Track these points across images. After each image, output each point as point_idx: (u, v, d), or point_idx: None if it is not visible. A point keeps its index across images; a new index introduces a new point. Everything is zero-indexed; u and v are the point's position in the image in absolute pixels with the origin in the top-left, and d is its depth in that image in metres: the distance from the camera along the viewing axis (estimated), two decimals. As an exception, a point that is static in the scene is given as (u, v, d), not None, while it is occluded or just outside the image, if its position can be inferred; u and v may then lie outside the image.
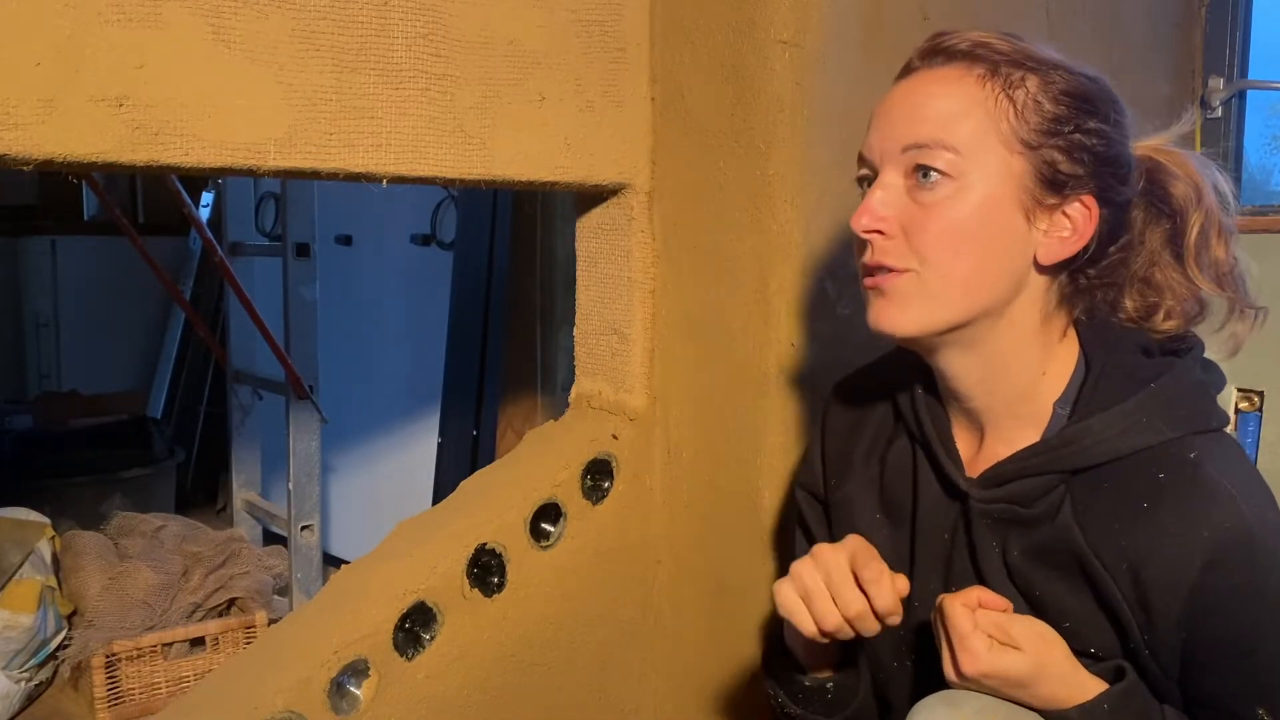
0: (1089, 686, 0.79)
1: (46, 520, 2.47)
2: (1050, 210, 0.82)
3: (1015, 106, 0.81)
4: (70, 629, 2.34)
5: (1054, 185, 0.81)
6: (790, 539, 1.16)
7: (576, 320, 1.42)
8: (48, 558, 2.36)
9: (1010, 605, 0.81)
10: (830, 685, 0.95)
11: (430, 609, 1.14)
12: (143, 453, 3.42)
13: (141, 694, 2.29)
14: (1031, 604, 0.84)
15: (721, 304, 1.25)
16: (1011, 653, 0.77)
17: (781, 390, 1.21)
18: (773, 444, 1.21)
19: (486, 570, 1.20)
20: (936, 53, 0.84)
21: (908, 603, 0.90)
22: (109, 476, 3.21)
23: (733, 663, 1.30)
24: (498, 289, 2.65)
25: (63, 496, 3.05)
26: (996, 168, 0.80)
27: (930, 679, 0.84)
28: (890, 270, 0.82)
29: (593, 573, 1.29)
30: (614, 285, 1.35)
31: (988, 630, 0.78)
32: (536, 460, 1.31)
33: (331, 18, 1.01)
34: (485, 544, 1.19)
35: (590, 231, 1.38)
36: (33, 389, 4.08)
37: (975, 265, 0.81)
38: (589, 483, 1.30)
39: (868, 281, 0.84)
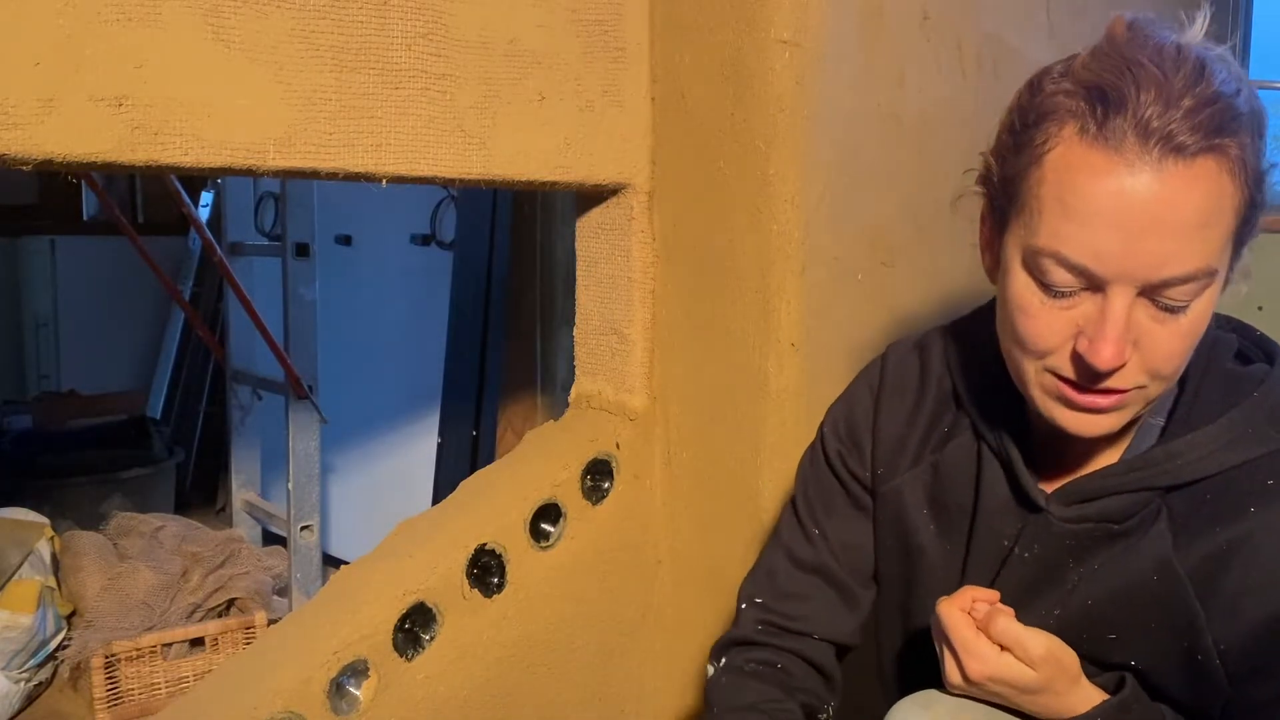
0: (1091, 697, 0.79)
1: (46, 520, 2.47)
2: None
3: (1253, 196, 0.71)
4: (69, 629, 2.34)
5: (1239, 250, 0.75)
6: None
7: (576, 320, 1.42)
8: (47, 558, 2.36)
9: (998, 596, 0.81)
10: None
11: (430, 609, 1.13)
12: (142, 453, 3.42)
13: (141, 694, 2.29)
14: (1080, 616, 0.83)
15: (721, 304, 1.25)
16: (1023, 665, 0.78)
17: (781, 390, 1.21)
18: (772, 444, 1.21)
19: (486, 570, 1.19)
20: (1178, 145, 0.67)
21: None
22: (108, 476, 3.21)
23: (733, 663, 1.30)
24: (498, 289, 2.65)
25: (62, 496, 3.06)
26: (1226, 263, 0.73)
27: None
28: (1117, 392, 0.74)
29: (593, 573, 1.29)
30: (614, 285, 1.35)
31: (1000, 641, 0.78)
32: (536, 460, 1.31)
33: (331, 17, 1.01)
34: (485, 544, 1.19)
35: (590, 231, 1.38)
36: (32, 389, 4.08)
37: (1188, 357, 0.75)
38: (589, 483, 1.30)
39: (1082, 399, 0.75)
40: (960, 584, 0.89)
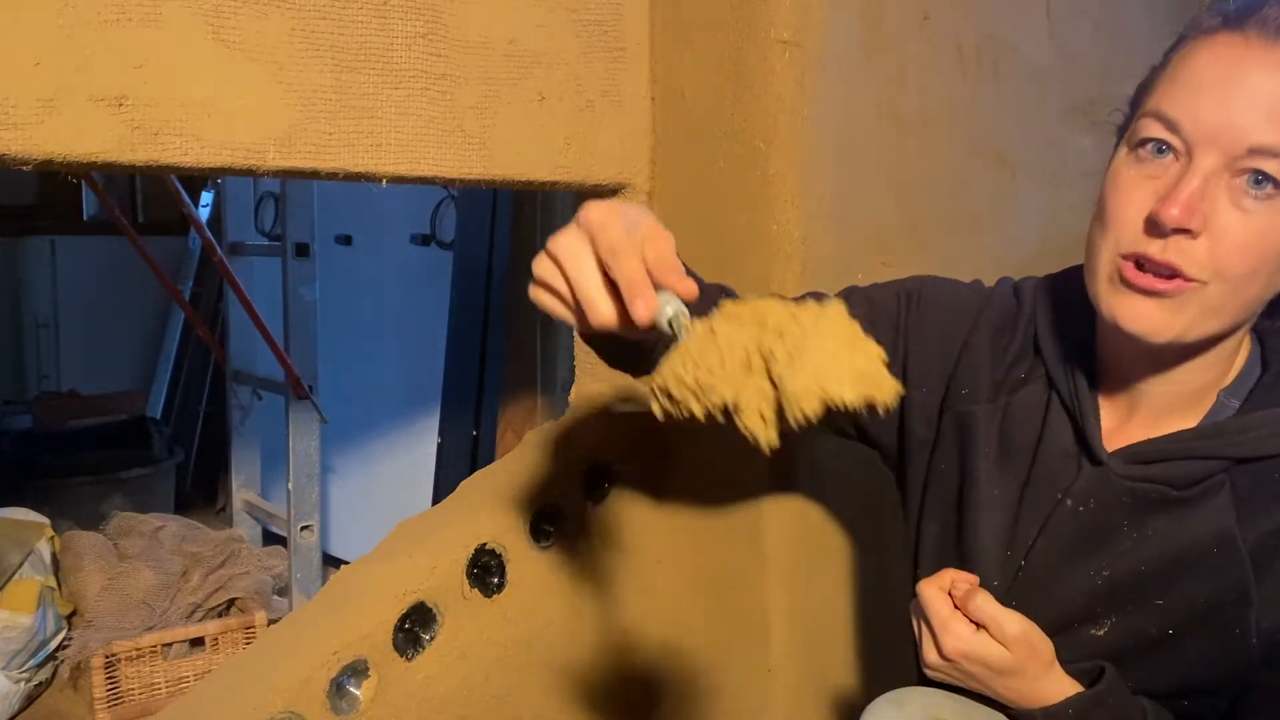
0: (1065, 688, 0.79)
1: (46, 520, 2.48)
2: None
3: None
4: (70, 629, 2.34)
5: None
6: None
7: (576, 320, 1.42)
8: (47, 558, 2.36)
9: (977, 580, 0.81)
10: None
11: (430, 609, 1.14)
12: (142, 453, 3.42)
13: (141, 694, 2.29)
14: (1128, 579, 0.82)
15: (721, 304, 1.25)
16: (997, 644, 0.78)
17: (781, 390, 1.20)
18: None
19: (486, 570, 1.19)
20: None
21: (1000, 552, 0.89)
22: (108, 476, 3.21)
23: (733, 661, 1.30)
24: (498, 289, 2.65)
25: (62, 496, 3.06)
26: None
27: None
28: (1178, 276, 0.72)
29: (593, 573, 1.29)
30: (614, 285, 1.35)
31: (976, 619, 0.78)
32: (536, 460, 1.31)
33: (331, 18, 1.01)
34: (485, 544, 1.19)
35: (590, 231, 1.38)
36: (32, 389, 4.08)
37: (1262, 288, 0.74)
38: (589, 483, 1.30)
39: (1139, 279, 0.74)
40: (1013, 530, 0.88)
